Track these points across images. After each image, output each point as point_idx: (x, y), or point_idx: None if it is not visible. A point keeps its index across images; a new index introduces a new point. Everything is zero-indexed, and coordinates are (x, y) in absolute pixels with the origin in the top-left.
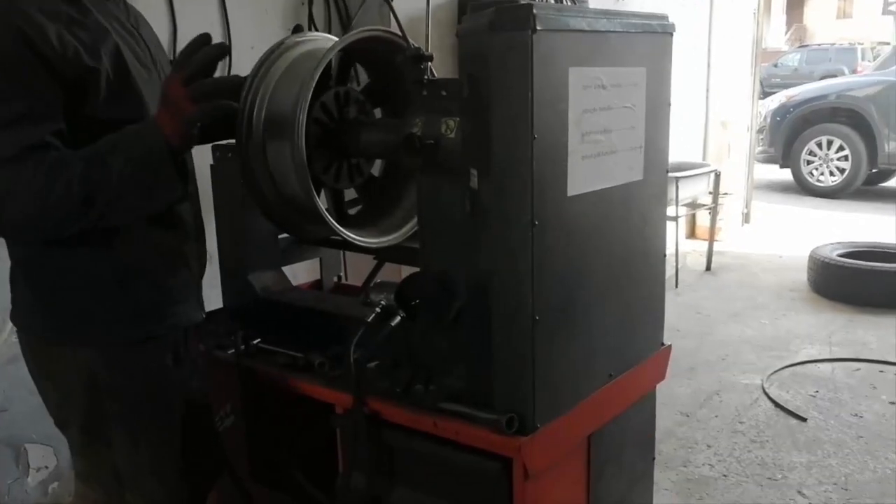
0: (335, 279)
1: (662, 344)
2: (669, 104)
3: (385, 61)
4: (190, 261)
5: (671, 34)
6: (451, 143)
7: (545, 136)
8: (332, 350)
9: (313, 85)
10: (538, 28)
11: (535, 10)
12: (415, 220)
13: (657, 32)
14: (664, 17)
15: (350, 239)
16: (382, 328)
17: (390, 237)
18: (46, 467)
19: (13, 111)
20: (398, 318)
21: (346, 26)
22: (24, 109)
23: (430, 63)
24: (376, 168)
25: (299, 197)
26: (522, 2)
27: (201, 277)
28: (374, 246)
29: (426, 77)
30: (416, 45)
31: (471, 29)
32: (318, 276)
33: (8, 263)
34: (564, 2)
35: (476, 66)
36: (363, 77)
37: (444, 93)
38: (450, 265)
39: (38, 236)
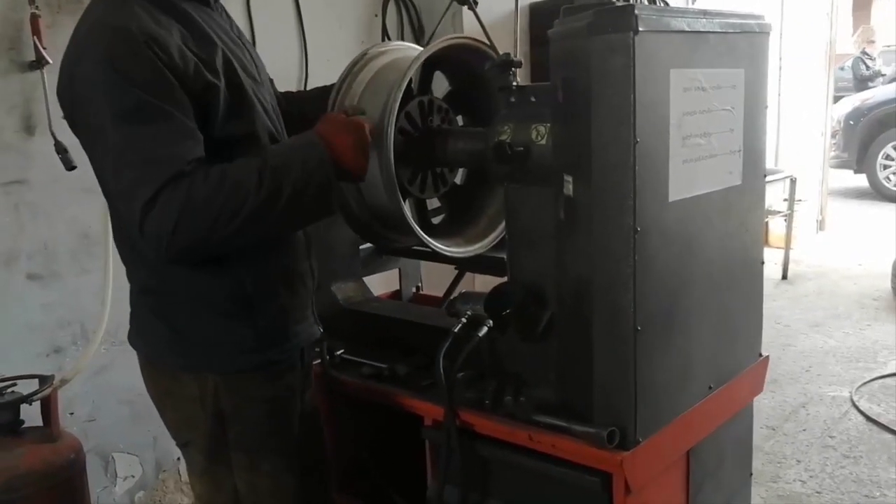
0: (414, 289)
1: (760, 354)
2: (766, 106)
3: (467, 69)
4: (305, 278)
5: (768, 34)
6: (542, 149)
7: (647, 139)
8: (416, 360)
9: (401, 94)
10: (640, 29)
11: (636, 12)
12: (500, 228)
13: (755, 32)
14: (761, 17)
15: (438, 249)
16: (470, 338)
17: (476, 246)
18: (133, 476)
19: (172, 127)
20: (485, 329)
21: (418, 36)
22: (179, 125)
23: (517, 69)
24: (458, 176)
25: (386, 208)
26: (620, 3)
27: (313, 293)
28: (462, 256)
29: (514, 83)
30: (505, 52)
31: (565, 32)
32: (395, 287)
33: (95, 274)
34: (658, 2)
35: (572, 70)
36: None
37: (533, 98)
38: (540, 274)
39: (202, 255)
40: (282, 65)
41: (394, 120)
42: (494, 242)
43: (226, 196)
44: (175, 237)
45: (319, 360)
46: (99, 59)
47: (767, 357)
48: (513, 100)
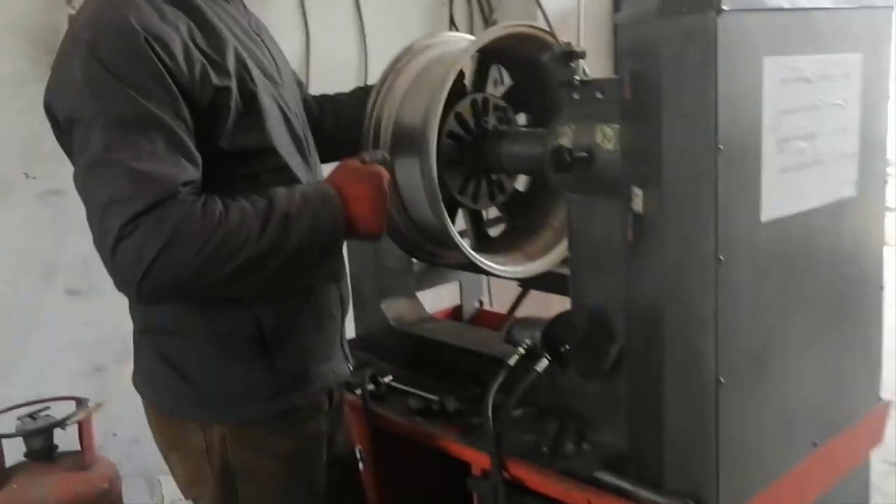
0: (476, 305)
1: (880, 399)
2: (888, 98)
3: (530, 62)
4: (333, 310)
5: (892, 8)
6: (609, 155)
7: (733, 145)
8: (469, 392)
9: (445, 94)
10: (724, 8)
11: None
12: (566, 242)
13: (875, 7)
14: None
15: (490, 270)
16: (526, 373)
17: (537, 264)
18: (180, 500)
19: (168, 141)
20: (544, 363)
21: (489, 25)
22: (175, 139)
23: (582, 61)
24: (521, 181)
25: (430, 221)
26: None
27: (343, 324)
28: (519, 276)
29: (577, 77)
30: (566, 41)
31: (634, 15)
32: (457, 301)
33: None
34: None
35: (642, 61)
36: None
37: (599, 95)
38: (608, 301)
39: (175, 299)
40: (338, 61)
41: (436, 123)
42: (560, 259)
43: (223, 236)
44: (151, 272)
45: (361, 390)
46: (90, 56)
47: (889, 402)
48: (575, 96)
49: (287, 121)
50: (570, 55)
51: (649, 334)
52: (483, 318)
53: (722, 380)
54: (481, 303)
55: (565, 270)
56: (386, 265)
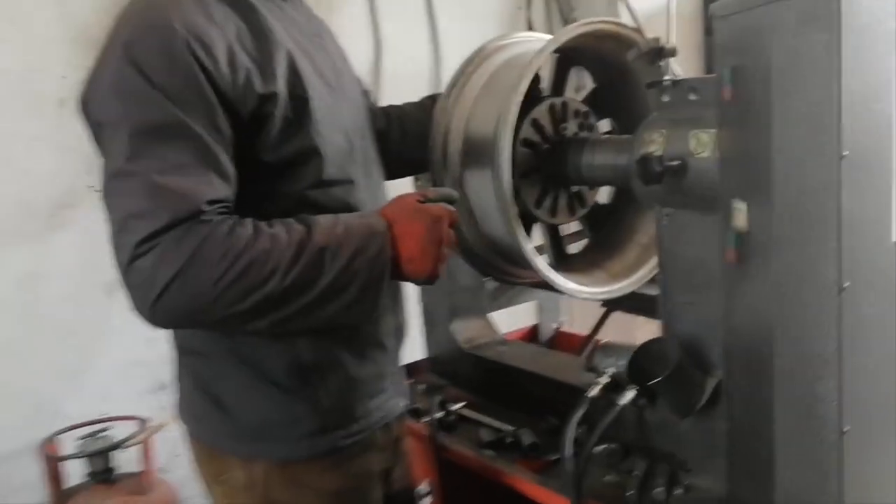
0: (554, 326)
1: None
2: None
3: (614, 62)
4: (386, 339)
5: None
6: (705, 164)
7: (859, 150)
8: (546, 424)
9: (519, 98)
10: None
11: None
12: (654, 261)
13: None
14: None
15: (568, 291)
16: (610, 406)
17: (621, 284)
18: None
19: (199, 154)
20: (630, 395)
21: None
22: (207, 153)
23: (672, 60)
24: (603, 193)
25: (504, 238)
26: None
27: (399, 354)
28: (601, 298)
29: (667, 77)
30: (653, 37)
31: (736, 3)
32: (533, 321)
33: None
34: None
35: (745, 56)
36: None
37: (692, 96)
38: (703, 328)
39: (191, 327)
40: (411, 69)
41: (509, 130)
42: (646, 279)
43: (247, 264)
44: (165, 296)
45: (429, 418)
46: (124, 56)
47: None
48: (665, 98)
49: (343, 131)
50: (659, 53)
51: (755, 371)
52: (562, 341)
53: (846, 429)
54: (560, 324)
55: (652, 290)
56: (457, 283)
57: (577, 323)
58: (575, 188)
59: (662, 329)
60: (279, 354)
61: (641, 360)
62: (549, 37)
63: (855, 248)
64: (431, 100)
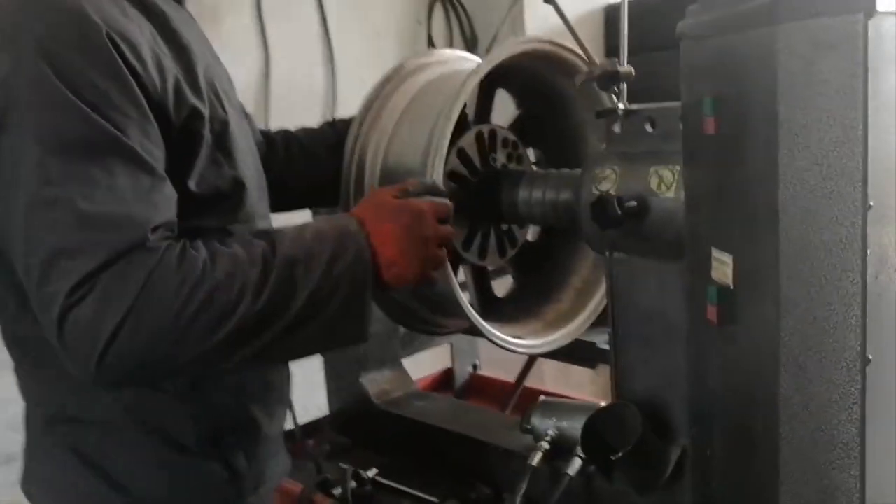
0: (469, 370)
1: None
2: None
3: (544, 86)
4: (283, 388)
5: None
6: (668, 205)
7: (886, 200)
8: (477, 493)
9: (451, 126)
10: (878, 10)
11: None
12: (593, 305)
13: None
14: None
15: (508, 346)
16: (557, 477)
17: (558, 335)
18: None
19: (134, 172)
20: (577, 464)
21: (470, 46)
22: (144, 169)
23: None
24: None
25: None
26: None
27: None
28: (541, 351)
29: (620, 105)
30: (608, 60)
31: (718, 21)
32: (445, 363)
33: None
34: None
35: (731, 84)
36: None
37: (650, 128)
38: (662, 390)
39: (149, 381)
40: (303, 86)
41: (441, 162)
42: (585, 327)
43: (209, 293)
44: (114, 347)
45: (341, 489)
46: (31, 51)
47: None
48: (617, 130)
49: (253, 157)
50: (614, 77)
51: (745, 444)
52: (478, 386)
53: None
54: (476, 367)
55: (587, 337)
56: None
57: (492, 364)
58: (505, 226)
59: (613, 389)
60: (189, 415)
61: (597, 428)
62: (473, 57)
63: (882, 316)
64: (330, 126)
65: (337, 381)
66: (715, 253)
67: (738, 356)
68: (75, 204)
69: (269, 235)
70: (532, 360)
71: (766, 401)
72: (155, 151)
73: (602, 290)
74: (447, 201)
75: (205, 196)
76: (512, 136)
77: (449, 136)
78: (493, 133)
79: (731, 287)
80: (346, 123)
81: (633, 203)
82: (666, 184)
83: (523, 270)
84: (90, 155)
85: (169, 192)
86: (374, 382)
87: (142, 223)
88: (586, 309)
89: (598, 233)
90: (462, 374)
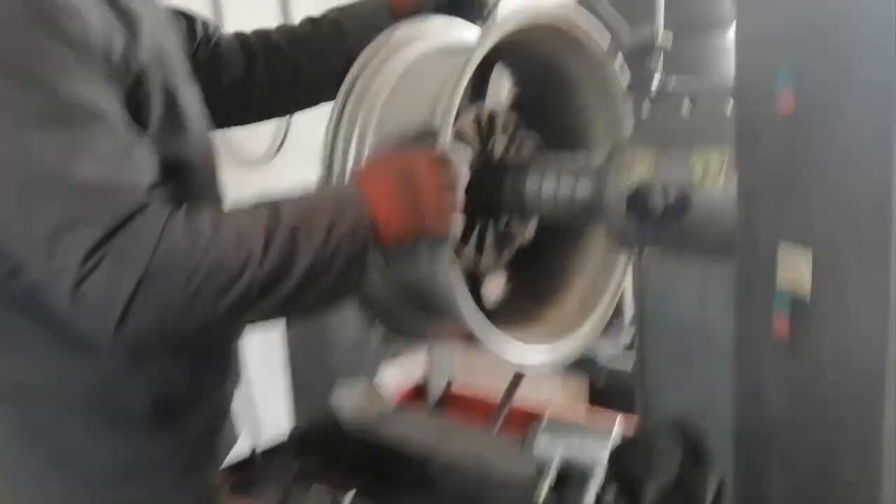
0: (446, 383)
1: None
2: None
3: (546, 61)
4: (234, 367)
5: None
6: (716, 196)
7: None
8: None
9: (456, 102)
10: None
11: None
12: (604, 307)
13: None
14: None
15: (514, 363)
16: None
17: (568, 343)
18: None
19: (116, 134)
20: (593, 492)
21: None
22: (122, 131)
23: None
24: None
25: (425, 285)
26: None
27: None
28: (550, 365)
29: (656, 76)
30: (644, 27)
31: None
32: (419, 371)
33: None
34: None
35: (825, 45)
36: None
37: (686, 108)
38: (697, 412)
39: (166, 343)
40: None
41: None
42: (598, 333)
43: (217, 258)
44: (131, 313)
45: None
46: None
47: None
48: (648, 110)
49: (204, 126)
50: (646, 50)
51: (823, 486)
52: (456, 401)
53: None
54: (452, 380)
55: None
56: (336, 341)
57: (468, 372)
58: (504, 223)
59: (639, 410)
60: (138, 387)
61: (626, 461)
62: (465, 24)
63: None
64: (312, 23)
65: (303, 396)
66: (784, 251)
67: (814, 373)
68: (65, 175)
69: (273, 203)
70: (519, 379)
71: (861, 429)
72: (122, 113)
73: (611, 292)
74: (439, 149)
75: (165, 165)
76: (513, 119)
77: (455, 111)
78: (491, 115)
79: (809, 292)
80: (332, 25)
81: (675, 195)
82: (712, 172)
83: (516, 271)
84: (65, 124)
85: (148, 151)
86: (346, 399)
87: (134, 185)
88: (594, 315)
89: (632, 229)
90: (436, 389)
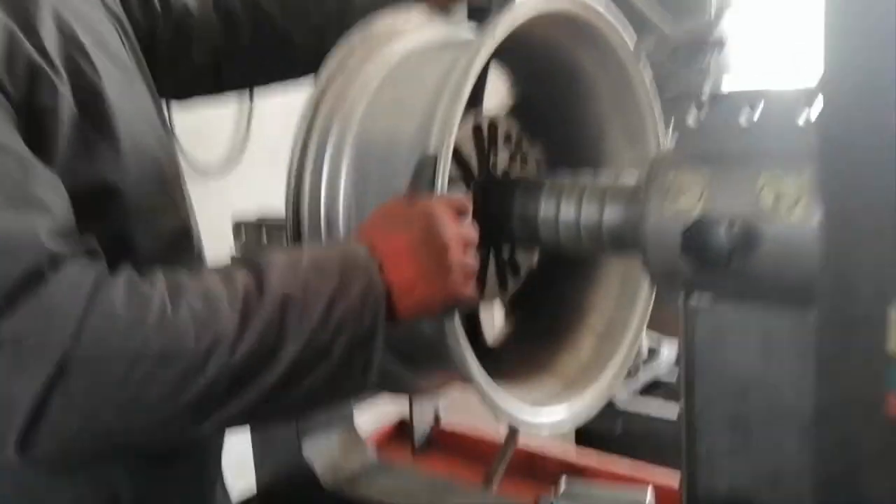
0: (430, 422)
1: None
2: None
3: (554, 58)
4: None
5: None
6: (791, 233)
7: None
8: None
9: (460, 110)
10: None
11: None
12: (624, 350)
13: None
14: None
15: (532, 428)
16: None
17: (591, 394)
18: None
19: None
20: None
21: None
22: (17, 169)
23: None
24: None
25: (424, 344)
26: None
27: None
28: (573, 425)
29: (706, 83)
30: (697, 22)
31: None
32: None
33: None
34: None
35: None
36: None
37: (743, 118)
38: (761, 488)
39: (85, 458)
40: None
41: (449, 159)
42: (620, 381)
43: (173, 341)
44: (39, 423)
45: None
46: None
47: None
48: (694, 120)
49: (152, 128)
50: (698, 48)
51: None
52: (443, 441)
53: None
54: (438, 417)
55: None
56: None
57: (454, 410)
58: (507, 253)
59: (686, 488)
60: (89, 494)
61: None
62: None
63: None
64: None
65: (268, 448)
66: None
67: None
68: None
69: (255, 264)
70: (513, 436)
71: None
72: (9, 131)
73: (632, 331)
74: (464, 195)
75: (79, 196)
76: (515, 129)
77: (458, 122)
78: (492, 125)
79: None
80: None
81: (748, 228)
82: (787, 200)
83: (518, 306)
84: None
85: (52, 177)
86: (320, 452)
87: (36, 233)
88: (615, 358)
89: (686, 270)
90: (421, 430)
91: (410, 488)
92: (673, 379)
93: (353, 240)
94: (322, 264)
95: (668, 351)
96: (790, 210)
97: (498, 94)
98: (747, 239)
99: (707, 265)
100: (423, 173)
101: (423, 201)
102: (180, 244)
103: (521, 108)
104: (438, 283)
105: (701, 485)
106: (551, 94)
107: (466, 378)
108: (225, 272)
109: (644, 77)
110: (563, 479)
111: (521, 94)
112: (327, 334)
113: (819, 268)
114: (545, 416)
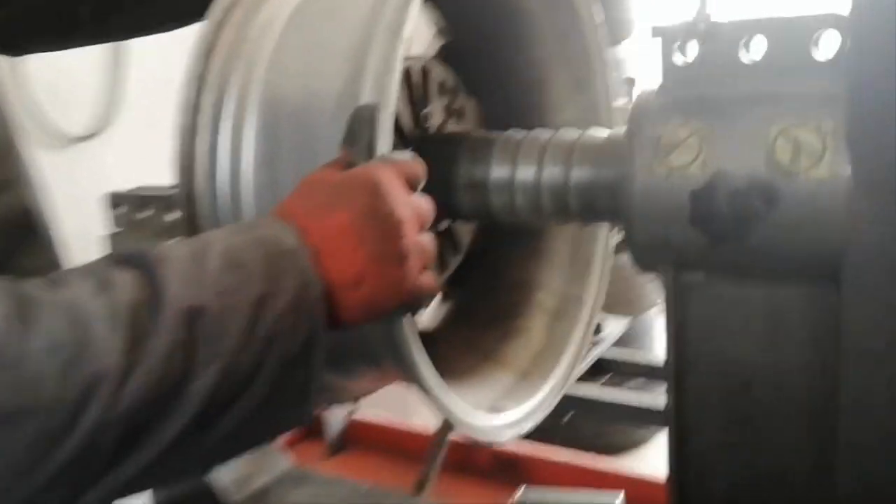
0: (346, 415)
1: None
2: None
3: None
4: None
5: None
6: (818, 192)
7: None
8: None
9: (401, 49)
10: None
11: None
12: (581, 330)
13: None
14: None
15: (485, 435)
16: None
17: (550, 386)
18: None
19: None
20: None
21: None
22: None
23: None
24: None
25: (361, 343)
26: None
27: None
28: (526, 424)
29: (706, 20)
30: None
31: None
32: None
33: None
34: None
35: None
36: None
37: (750, 50)
38: (757, 486)
39: None
40: None
41: (393, 109)
42: (582, 368)
43: (26, 386)
44: None
45: None
46: None
47: None
48: (682, 59)
49: None
50: None
51: None
52: (358, 436)
53: None
54: (353, 410)
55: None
56: None
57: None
58: (445, 226)
59: (673, 489)
60: None
61: None
62: None
63: None
64: None
65: None
66: None
67: None
68: None
69: (143, 262)
70: (444, 431)
71: None
72: None
73: (588, 308)
74: (414, 157)
75: None
76: (451, 79)
77: (401, 63)
78: (424, 74)
79: None
80: None
81: (765, 188)
82: (808, 154)
83: (459, 287)
84: None
85: None
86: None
87: None
88: (572, 340)
89: (689, 242)
90: (335, 419)
91: (330, 499)
92: (618, 358)
93: (273, 222)
94: (238, 259)
95: (613, 328)
96: (814, 165)
97: (420, 41)
98: (765, 201)
99: (718, 238)
100: (360, 131)
101: (363, 167)
102: (15, 229)
103: (448, 57)
104: (392, 274)
105: (691, 487)
106: (484, 39)
107: (414, 381)
108: (99, 276)
109: (594, 14)
110: (523, 489)
111: (449, 38)
112: (251, 355)
113: (849, 233)
114: (503, 419)
